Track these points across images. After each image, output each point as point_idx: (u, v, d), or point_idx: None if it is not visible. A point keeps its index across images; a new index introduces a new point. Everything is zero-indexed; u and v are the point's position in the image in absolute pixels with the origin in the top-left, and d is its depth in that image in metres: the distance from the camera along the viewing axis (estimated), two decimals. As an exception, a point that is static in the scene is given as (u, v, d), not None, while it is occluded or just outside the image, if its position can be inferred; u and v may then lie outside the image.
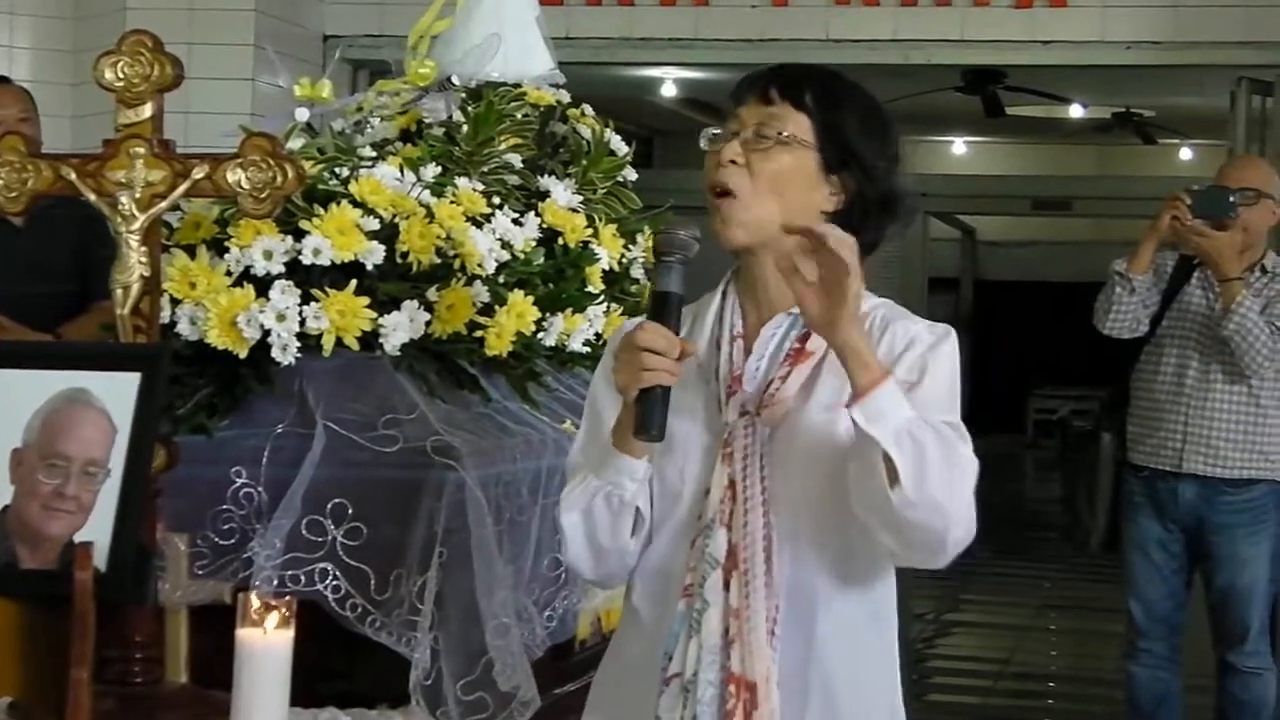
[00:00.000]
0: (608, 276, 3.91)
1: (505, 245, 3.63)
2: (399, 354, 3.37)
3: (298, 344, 3.29)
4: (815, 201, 2.59)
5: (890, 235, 2.70)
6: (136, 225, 2.92)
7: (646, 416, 2.51)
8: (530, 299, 3.60)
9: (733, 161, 2.57)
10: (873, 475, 2.44)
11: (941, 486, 2.44)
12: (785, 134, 2.56)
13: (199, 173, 2.94)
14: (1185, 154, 16.73)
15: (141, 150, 2.93)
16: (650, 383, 2.50)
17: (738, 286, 2.68)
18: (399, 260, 3.45)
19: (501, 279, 3.59)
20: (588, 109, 4.24)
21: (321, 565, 3.14)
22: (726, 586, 2.53)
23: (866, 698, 2.62)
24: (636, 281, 4.05)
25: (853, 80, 2.67)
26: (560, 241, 3.80)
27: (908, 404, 2.45)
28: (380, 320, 3.35)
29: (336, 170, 3.61)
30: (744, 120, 2.60)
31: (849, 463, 2.50)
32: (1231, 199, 5.56)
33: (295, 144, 3.74)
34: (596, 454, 2.63)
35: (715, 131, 2.63)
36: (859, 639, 2.60)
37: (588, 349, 3.80)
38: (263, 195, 2.95)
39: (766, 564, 2.52)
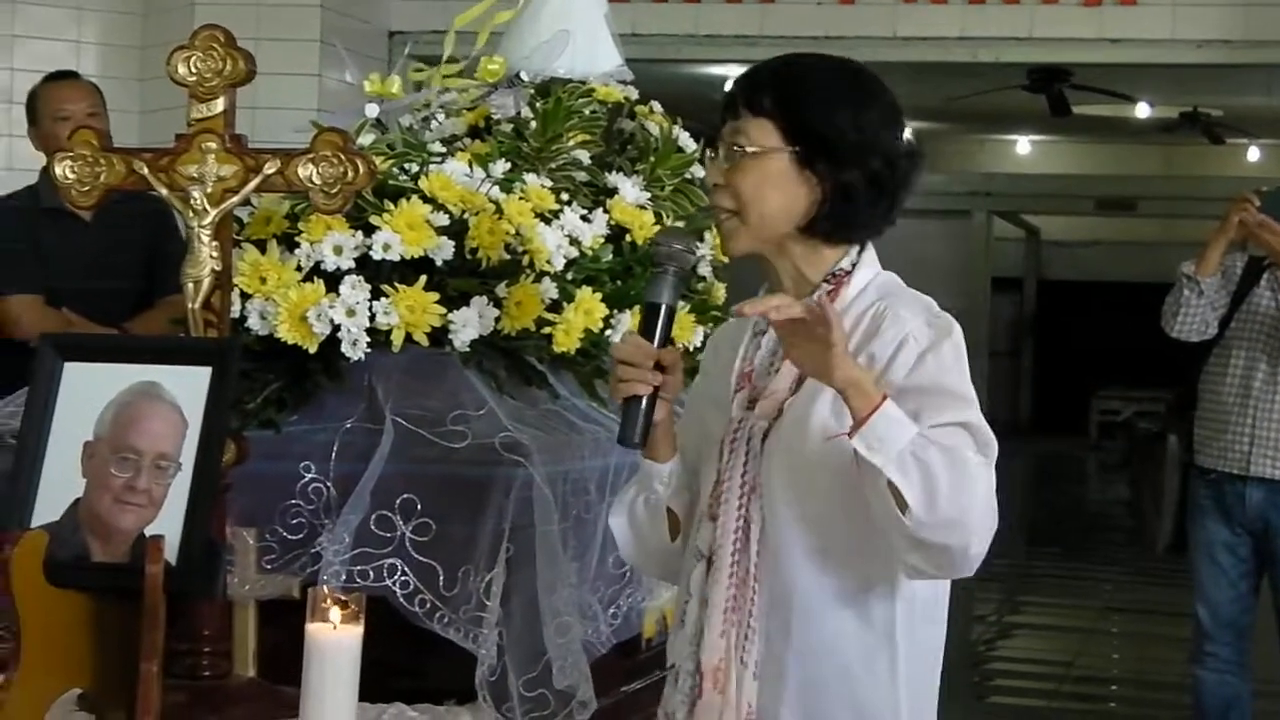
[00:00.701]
0: (675, 274, 3.90)
1: (574, 242, 3.62)
2: (468, 350, 3.37)
3: (367, 339, 3.29)
4: (801, 199, 2.59)
5: (913, 194, 2.67)
6: (208, 220, 2.92)
7: (626, 425, 2.59)
8: (598, 296, 3.59)
9: (716, 185, 2.61)
10: (883, 502, 2.44)
11: (953, 503, 2.42)
12: (751, 146, 2.58)
13: (270, 168, 2.94)
14: (1253, 154, 16.61)
15: (213, 145, 2.93)
16: (627, 393, 2.57)
17: (769, 285, 2.70)
18: (468, 256, 3.44)
19: (570, 276, 3.59)
20: (656, 106, 4.23)
21: (390, 561, 3.14)
22: (706, 578, 2.60)
23: (860, 701, 2.60)
24: (704, 279, 4.04)
25: (817, 59, 2.66)
26: (628, 238, 3.79)
27: (909, 423, 2.43)
28: (449, 316, 3.35)
29: (406, 166, 3.61)
30: (724, 138, 2.62)
31: (864, 489, 2.50)
32: (1302, 200, 5.52)
33: (365, 139, 3.74)
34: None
35: (711, 155, 2.66)
36: (846, 638, 2.58)
37: (655, 346, 3.78)
38: (334, 190, 2.95)
39: (733, 556, 2.56)
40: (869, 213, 2.62)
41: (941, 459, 2.41)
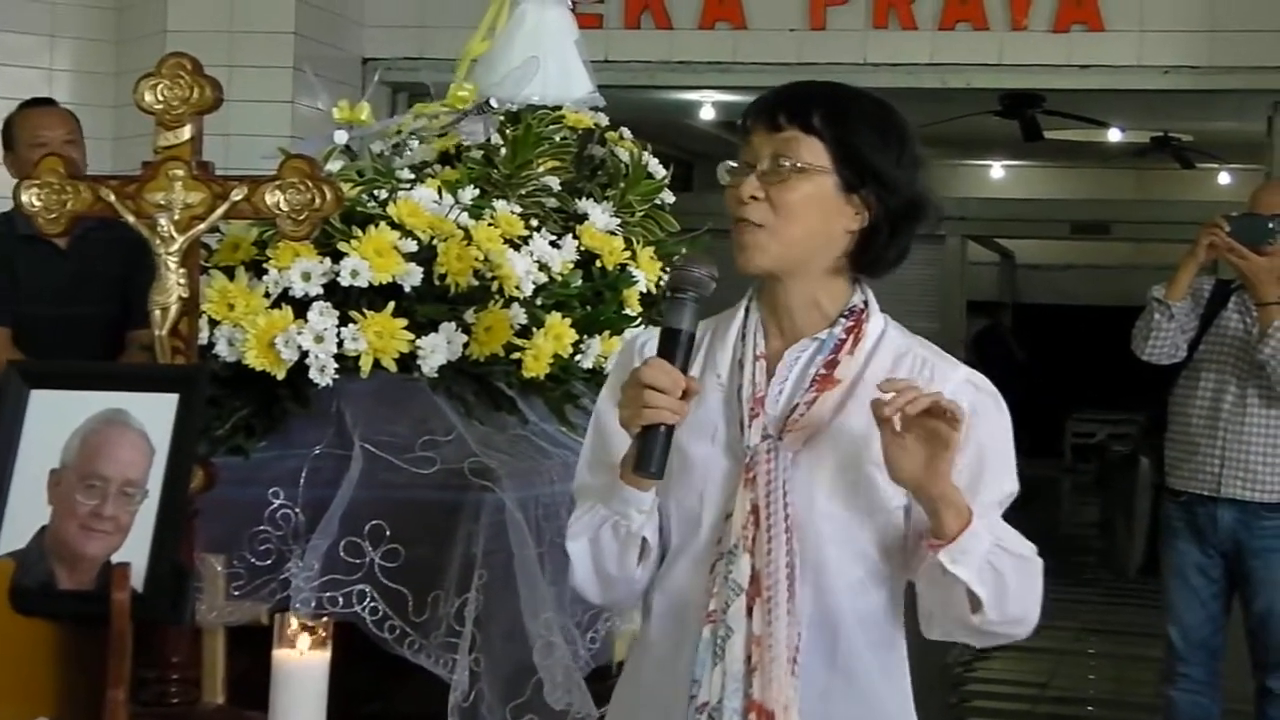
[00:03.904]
0: (645, 299, 3.92)
1: (543, 267, 3.64)
2: (436, 376, 3.38)
3: (335, 365, 3.30)
4: (840, 224, 2.56)
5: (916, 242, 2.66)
6: (175, 247, 2.92)
7: (646, 454, 2.49)
8: (568, 321, 3.61)
9: (753, 197, 2.55)
10: (955, 604, 2.48)
11: (1020, 605, 2.50)
12: (801, 163, 2.53)
13: (238, 194, 2.94)
14: (1224, 178, 16.66)
15: (180, 172, 2.93)
16: (652, 420, 2.48)
17: (760, 306, 2.64)
18: (437, 282, 3.45)
19: (539, 301, 3.60)
20: (626, 132, 4.24)
21: (359, 587, 3.15)
22: (749, 613, 2.50)
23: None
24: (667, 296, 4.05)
25: (857, 89, 2.63)
26: (598, 264, 3.81)
27: (986, 533, 2.46)
28: (418, 342, 3.36)
29: (375, 192, 3.62)
30: (757, 150, 2.56)
31: (920, 582, 2.52)
32: (1270, 225, 5.54)
33: (334, 166, 3.75)
34: (604, 479, 2.60)
35: (733, 165, 2.60)
36: (879, 666, 2.59)
37: (625, 372, 3.80)
38: (301, 217, 2.95)
39: (789, 591, 2.50)
40: (894, 251, 2.61)
41: (1014, 568, 2.48)
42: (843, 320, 2.59)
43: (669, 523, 2.62)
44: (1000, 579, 2.46)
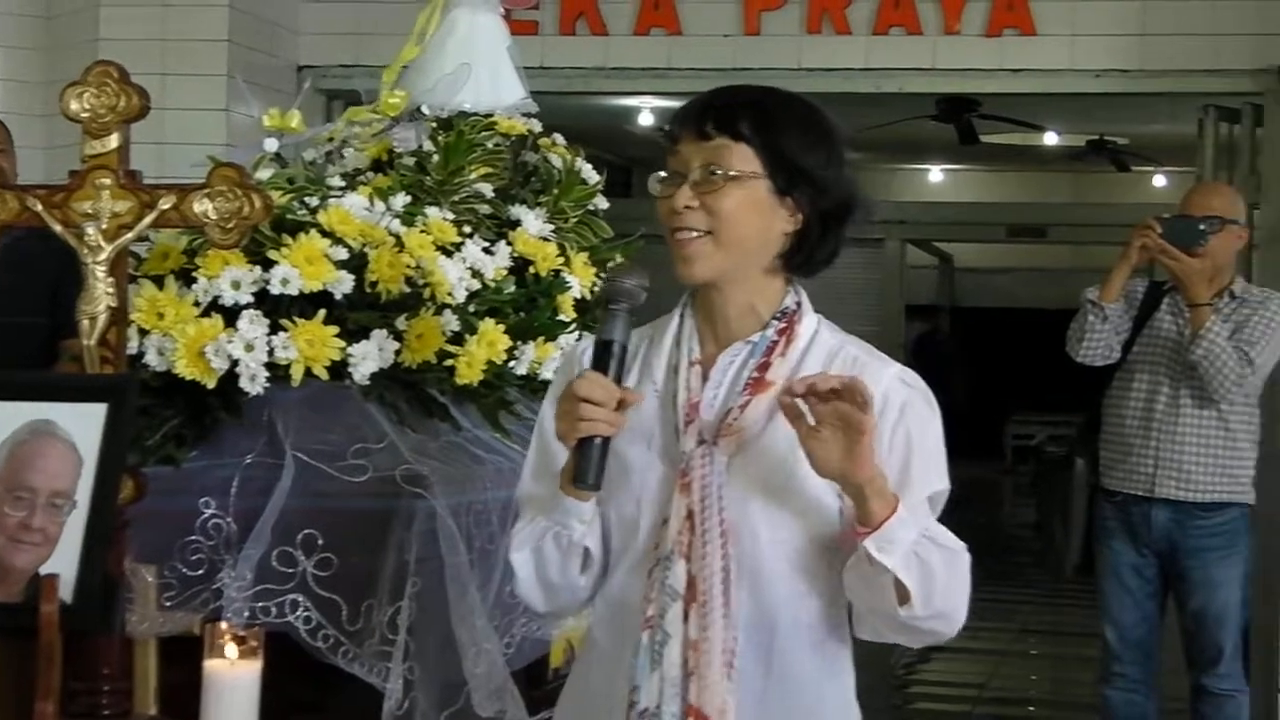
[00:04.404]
0: (579, 305, 3.92)
1: (476, 274, 3.63)
2: (368, 383, 3.37)
3: (266, 374, 3.28)
4: (775, 227, 2.58)
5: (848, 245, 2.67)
6: (103, 256, 2.92)
7: (583, 467, 2.51)
8: (501, 327, 3.60)
9: (688, 207, 2.55)
10: (878, 594, 2.48)
11: (947, 598, 2.50)
12: (733, 171, 2.54)
13: (166, 203, 2.93)
14: (1159, 181, 16.77)
15: (108, 181, 2.92)
16: (587, 433, 2.49)
17: (695, 312, 2.65)
18: (368, 289, 3.45)
19: (472, 308, 3.60)
20: (559, 138, 4.24)
21: (292, 596, 3.14)
22: (686, 618, 2.51)
23: None
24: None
25: (782, 92, 2.63)
26: (531, 270, 3.81)
27: (912, 521, 2.47)
28: (349, 350, 3.35)
29: (305, 200, 3.61)
30: (686, 159, 2.57)
31: (848, 575, 2.52)
32: (1201, 228, 5.59)
33: (264, 174, 3.74)
34: (547, 489, 2.61)
35: (663, 175, 2.60)
36: (817, 670, 2.59)
37: (559, 377, 3.79)
38: (230, 225, 2.94)
39: (724, 596, 2.50)
40: (826, 249, 2.62)
41: (942, 560, 2.49)
42: (775, 322, 2.60)
43: (611, 529, 2.63)
44: (927, 570, 2.46)
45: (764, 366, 2.57)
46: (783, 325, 2.60)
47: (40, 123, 7.22)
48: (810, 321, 2.63)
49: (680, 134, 2.59)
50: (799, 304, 2.63)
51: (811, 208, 2.58)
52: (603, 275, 4.02)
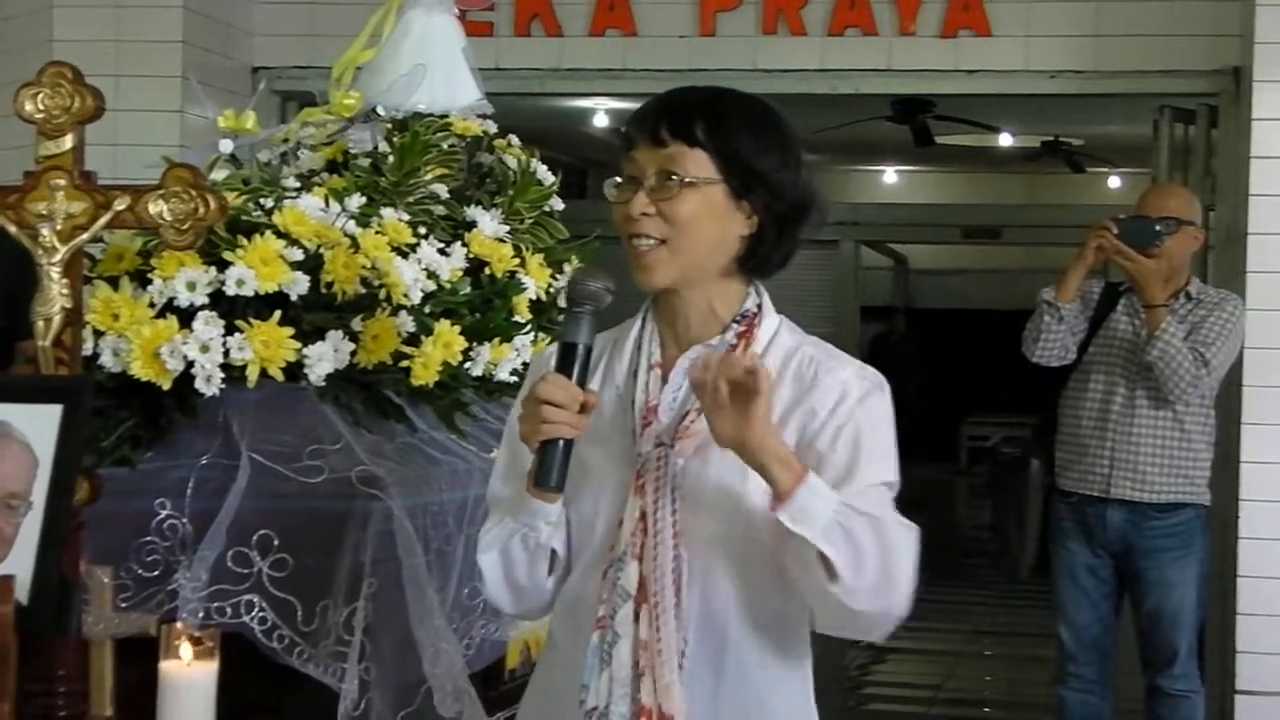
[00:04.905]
0: (535, 306, 3.92)
1: (431, 275, 3.63)
2: (324, 384, 3.37)
3: (222, 375, 3.28)
4: (731, 231, 2.59)
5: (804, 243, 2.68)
6: (58, 257, 2.90)
7: (546, 469, 2.52)
8: (457, 329, 3.60)
9: (644, 214, 2.56)
10: (810, 572, 2.46)
11: (879, 569, 2.46)
12: (689, 177, 2.54)
13: (120, 204, 2.92)
14: (1114, 182, 16.86)
15: (62, 182, 2.91)
16: (550, 435, 2.50)
17: (657, 315, 2.66)
18: (324, 290, 3.44)
19: (428, 309, 3.59)
20: (514, 139, 4.24)
21: (248, 597, 3.13)
22: (637, 619, 2.52)
23: None
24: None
25: (736, 94, 2.63)
26: (487, 271, 3.80)
27: (830, 492, 2.45)
28: (305, 351, 3.34)
29: (261, 201, 3.61)
30: (642, 165, 2.57)
31: (784, 558, 2.51)
32: (1157, 229, 5.62)
33: (219, 175, 3.73)
34: (515, 490, 2.63)
35: (618, 180, 2.61)
36: (771, 672, 2.60)
37: (515, 378, 3.80)
38: (185, 226, 2.93)
39: (676, 597, 2.52)
40: (781, 252, 2.63)
41: (867, 527, 2.45)
42: (735, 325, 2.61)
43: (572, 530, 2.65)
44: (852, 539, 2.43)
45: None
46: (742, 328, 2.61)
47: (-9, 123, 7.18)
48: (770, 323, 2.64)
49: (635, 139, 2.59)
50: (760, 306, 2.64)
51: (767, 211, 2.59)
52: (558, 277, 4.03)
